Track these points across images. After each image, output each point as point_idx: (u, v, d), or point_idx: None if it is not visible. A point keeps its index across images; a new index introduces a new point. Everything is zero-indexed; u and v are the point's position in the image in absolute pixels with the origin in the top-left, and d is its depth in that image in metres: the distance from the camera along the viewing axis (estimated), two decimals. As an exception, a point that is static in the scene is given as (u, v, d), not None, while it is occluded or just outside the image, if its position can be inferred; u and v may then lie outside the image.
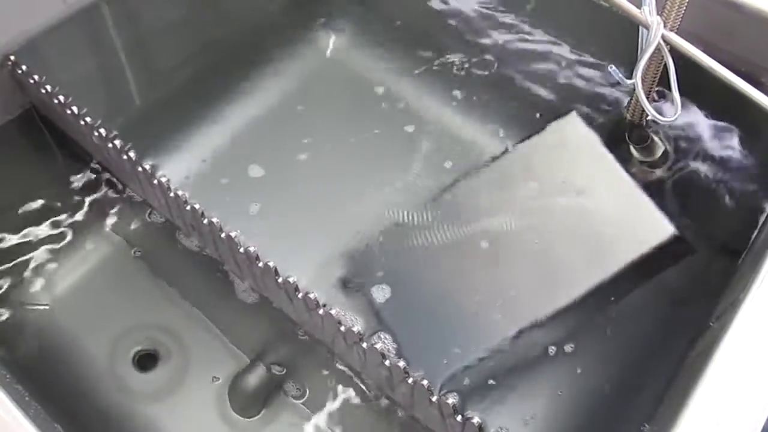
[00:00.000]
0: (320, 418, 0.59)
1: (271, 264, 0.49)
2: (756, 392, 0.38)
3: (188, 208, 0.52)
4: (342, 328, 0.47)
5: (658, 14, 0.55)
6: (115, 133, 0.56)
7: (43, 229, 0.68)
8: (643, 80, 0.59)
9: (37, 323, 0.65)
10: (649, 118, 0.63)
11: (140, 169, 0.54)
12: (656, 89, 0.62)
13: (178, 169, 0.70)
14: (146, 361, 0.63)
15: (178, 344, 0.64)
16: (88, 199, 0.70)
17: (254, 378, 0.60)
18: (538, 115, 0.72)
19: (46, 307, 0.66)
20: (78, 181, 0.70)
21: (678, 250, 0.61)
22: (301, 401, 0.60)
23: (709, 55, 0.53)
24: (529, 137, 0.67)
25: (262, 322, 0.62)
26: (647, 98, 0.59)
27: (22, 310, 0.65)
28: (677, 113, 0.57)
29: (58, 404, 0.60)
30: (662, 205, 0.62)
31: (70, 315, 0.65)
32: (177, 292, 0.66)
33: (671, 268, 0.60)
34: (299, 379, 0.61)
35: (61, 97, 0.57)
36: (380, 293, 0.61)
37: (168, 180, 0.53)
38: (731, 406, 0.38)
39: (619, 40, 0.60)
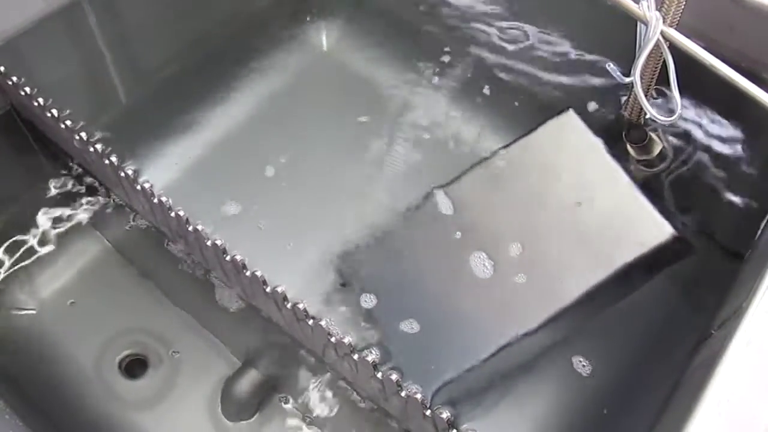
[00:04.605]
0: (313, 425, 0.59)
1: (258, 273, 0.47)
2: (763, 407, 0.37)
3: (173, 214, 0.51)
4: (332, 339, 0.45)
5: (657, 9, 0.54)
6: (97, 136, 0.54)
7: (28, 233, 0.67)
8: (641, 77, 0.58)
9: (22, 330, 0.64)
10: (647, 116, 0.61)
11: (122, 174, 0.52)
12: (655, 87, 0.61)
13: (163, 171, 0.69)
14: (135, 367, 0.62)
15: (168, 350, 0.63)
16: (72, 203, 0.69)
17: (246, 382, 0.59)
18: (515, 103, 0.71)
19: (33, 312, 0.65)
20: (62, 184, 0.69)
21: (677, 252, 0.60)
22: (294, 407, 0.60)
23: (710, 51, 0.52)
24: (525, 135, 0.66)
25: (252, 326, 0.61)
26: (646, 96, 0.58)
27: (8, 316, 0.64)
28: (677, 112, 0.56)
29: (43, 415, 0.59)
30: (660, 205, 0.61)
31: (56, 321, 0.64)
32: (165, 296, 0.65)
33: (670, 270, 0.59)
34: (291, 384, 0.60)
35: (41, 100, 0.56)
36: (371, 301, 0.60)
37: (151, 186, 0.52)
38: (736, 421, 0.37)
39: (618, 36, 0.58)
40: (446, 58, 0.77)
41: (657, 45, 0.55)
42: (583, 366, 0.57)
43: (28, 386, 0.60)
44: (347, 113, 0.75)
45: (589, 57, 0.68)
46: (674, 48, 0.54)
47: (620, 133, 0.65)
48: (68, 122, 0.55)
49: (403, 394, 0.43)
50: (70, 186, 0.69)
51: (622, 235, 0.60)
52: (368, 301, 0.60)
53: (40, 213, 0.68)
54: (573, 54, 0.69)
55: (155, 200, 0.52)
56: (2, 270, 0.66)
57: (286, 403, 0.60)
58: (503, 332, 0.57)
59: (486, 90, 0.74)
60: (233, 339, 0.63)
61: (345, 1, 0.83)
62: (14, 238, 0.67)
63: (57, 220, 0.68)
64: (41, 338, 0.63)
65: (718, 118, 0.62)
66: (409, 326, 0.58)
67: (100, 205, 0.69)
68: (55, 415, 0.59)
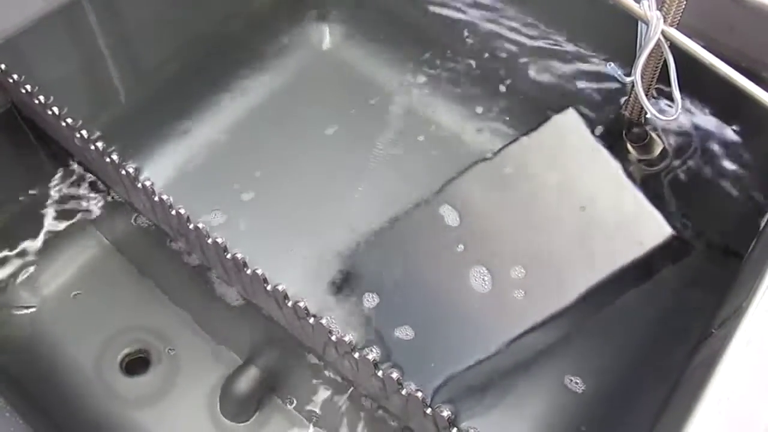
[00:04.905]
0: (313, 424, 0.59)
1: (259, 271, 0.47)
2: (763, 405, 0.37)
3: (173, 213, 0.50)
4: (333, 338, 0.45)
5: (657, 9, 0.54)
6: (97, 134, 0.54)
7: (29, 231, 0.67)
8: (642, 77, 0.58)
9: (23, 328, 0.64)
10: (648, 115, 0.61)
11: (123, 172, 0.52)
12: (655, 86, 0.61)
13: (163, 170, 0.69)
14: (135, 365, 0.62)
15: (168, 348, 0.63)
16: (72, 201, 0.69)
17: (245, 382, 0.59)
18: (516, 102, 0.70)
19: (33, 310, 0.64)
20: (62, 182, 0.69)
21: (677, 252, 0.60)
22: (293, 406, 0.59)
23: (710, 51, 0.52)
24: (525, 135, 0.66)
25: (252, 325, 0.61)
26: (646, 95, 0.58)
27: (9, 315, 0.64)
28: (677, 111, 0.56)
29: (43, 413, 0.59)
30: (660, 205, 0.61)
31: (56, 319, 0.64)
32: (165, 295, 0.65)
33: (670, 270, 0.59)
34: (291, 383, 0.60)
35: (42, 98, 0.56)
36: (370, 299, 0.60)
37: (152, 184, 0.52)
38: (736, 419, 0.37)
39: (618, 35, 0.58)
40: (446, 58, 0.77)
41: (658, 44, 0.55)
42: (584, 364, 0.57)
43: (29, 384, 0.60)
44: (347, 112, 0.75)
45: (589, 56, 0.68)
46: (675, 47, 0.54)
47: (621, 133, 0.65)
48: (69, 120, 0.55)
49: (403, 392, 0.43)
50: (70, 184, 0.69)
51: (621, 234, 0.60)
52: (370, 300, 0.60)
53: (40, 211, 0.68)
54: (574, 53, 0.69)
55: (156, 198, 0.52)
56: (2, 268, 0.66)
57: (285, 402, 0.60)
58: (503, 330, 0.57)
59: (486, 89, 0.74)
60: (233, 338, 0.63)
61: (345, 0, 0.83)
62: (14, 236, 0.67)
63: (57, 218, 0.68)
64: (42, 336, 0.63)
65: (718, 117, 0.62)
66: (405, 331, 0.58)
67: (100, 203, 0.69)
68: (55, 413, 0.59)
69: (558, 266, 0.60)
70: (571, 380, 0.56)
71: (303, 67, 0.79)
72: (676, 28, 0.54)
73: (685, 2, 0.53)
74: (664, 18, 0.54)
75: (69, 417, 0.59)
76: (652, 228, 0.60)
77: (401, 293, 0.60)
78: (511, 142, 0.66)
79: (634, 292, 0.59)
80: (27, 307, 0.65)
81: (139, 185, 0.52)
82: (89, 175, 0.68)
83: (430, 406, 0.42)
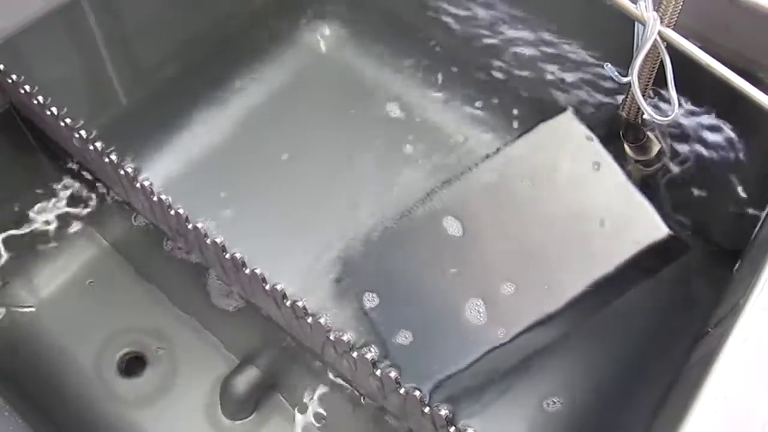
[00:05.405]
0: (311, 422, 0.59)
1: (258, 271, 0.47)
2: (759, 403, 0.37)
3: (172, 212, 0.51)
4: (331, 337, 0.45)
5: (654, 10, 0.54)
6: (95, 134, 0.54)
7: (27, 231, 0.67)
8: (638, 77, 0.58)
9: (21, 327, 0.64)
10: (644, 116, 0.62)
11: (122, 172, 0.52)
12: (652, 87, 0.61)
13: (162, 170, 0.69)
14: (134, 365, 0.62)
15: (166, 348, 0.63)
16: (71, 201, 0.69)
17: (244, 380, 0.59)
18: (514, 103, 0.71)
19: (32, 310, 0.65)
20: (62, 183, 0.69)
21: (673, 251, 0.60)
22: (292, 404, 0.60)
23: (707, 52, 0.52)
24: (522, 135, 0.66)
25: (251, 324, 0.61)
26: (643, 96, 0.58)
27: (7, 314, 0.64)
28: (674, 111, 0.56)
29: (42, 412, 0.59)
30: (657, 205, 0.61)
31: (55, 318, 0.64)
32: (164, 295, 0.65)
33: (667, 269, 0.60)
34: (290, 381, 0.60)
35: (41, 98, 0.56)
36: (370, 299, 0.60)
37: (151, 183, 0.52)
38: (733, 418, 0.37)
39: (615, 36, 0.58)
40: (444, 58, 0.77)
41: (654, 45, 0.55)
42: (581, 363, 0.57)
43: (28, 383, 0.60)
44: (346, 113, 0.75)
45: (586, 57, 0.68)
46: (671, 48, 0.54)
47: (618, 133, 0.65)
48: (68, 120, 0.55)
49: (401, 391, 0.44)
50: (69, 184, 0.69)
51: (618, 234, 0.60)
52: (370, 299, 0.60)
53: (39, 211, 0.68)
54: (570, 54, 0.69)
55: (155, 198, 0.52)
56: (1, 268, 0.66)
57: (284, 401, 0.60)
58: (499, 332, 0.57)
59: (484, 90, 0.74)
60: (232, 337, 0.63)
61: (344, 0, 0.83)
62: (13, 237, 0.67)
63: (56, 219, 0.68)
64: (40, 336, 0.63)
65: (714, 117, 0.62)
66: (404, 334, 0.59)
67: (99, 203, 0.69)
68: (54, 412, 0.59)
69: (555, 267, 0.60)
70: (570, 379, 0.56)
71: (302, 68, 0.79)
72: (673, 29, 0.54)
73: (681, 3, 0.53)
74: (661, 19, 0.54)
75: (68, 416, 0.59)
76: (649, 228, 0.60)
77: (400, 295, 0.60)
78: (508, 144, 0.66)
79: (631, 292, 0.59)
80: (26, 307, 0.65)
81: (138, 185, 0.52)
82: (88, 175, 0.68)
83: (428, 405, 0.43)
